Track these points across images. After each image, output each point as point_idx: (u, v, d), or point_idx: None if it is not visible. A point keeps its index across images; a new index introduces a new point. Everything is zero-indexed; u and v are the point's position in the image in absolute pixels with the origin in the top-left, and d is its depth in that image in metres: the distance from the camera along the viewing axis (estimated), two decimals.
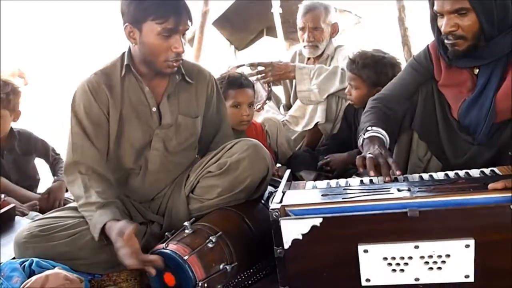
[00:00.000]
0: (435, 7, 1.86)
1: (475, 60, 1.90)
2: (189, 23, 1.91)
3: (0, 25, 6.25)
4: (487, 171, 1.70)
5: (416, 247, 1.41)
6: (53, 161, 2.96)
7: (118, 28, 1.97)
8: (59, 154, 2.97)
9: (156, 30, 1.86)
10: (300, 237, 1.46)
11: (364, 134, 1.91)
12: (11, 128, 2.77)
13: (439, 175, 1.73)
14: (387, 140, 1.90)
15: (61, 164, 2.83)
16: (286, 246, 1.48)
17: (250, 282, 1.82)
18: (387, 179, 1.68)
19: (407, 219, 1.39)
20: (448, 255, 1.40)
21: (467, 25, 1.80)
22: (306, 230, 1.45)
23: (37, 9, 7.83)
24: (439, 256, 1.40)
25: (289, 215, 1.50)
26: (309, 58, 3.21)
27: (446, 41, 1.88)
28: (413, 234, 1.41)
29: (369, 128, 1.92)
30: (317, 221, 1.44)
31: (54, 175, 2.92)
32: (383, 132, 1.90)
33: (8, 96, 2.64)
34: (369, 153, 1.76)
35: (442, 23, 1.85)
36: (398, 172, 1.68)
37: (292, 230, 1.46)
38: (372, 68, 2.56)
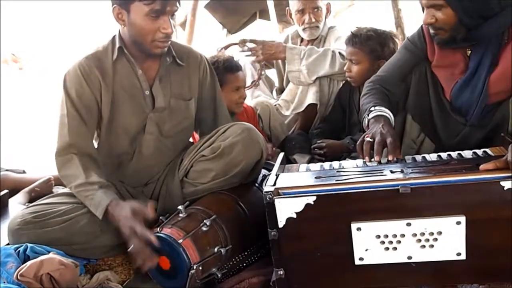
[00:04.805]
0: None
1: (465, 42, 1.90)
2: (177, 4, 1.89)
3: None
4: (479, 152, 1.71)
5: (408, 224, 1.42)
6: None
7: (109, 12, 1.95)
8: None
9: (144, 10, 1.84)
10: (294, 216, 1.47)
11: (368, 115, 1.90)
12: None
13: (432, 157, 1.74)
14: (392, 117, 1.90)
15: None
16: (281, 225, 1.48)
17: (244, 264, 1.83)
18: (376, 158, 1.69)
19: (399, 196, 1.40)
20: (439, 232, 1.41)
21: (443, 18, 1.84)
22: (300, 208, 1.46)
23: None
24: (431, 234, 1.41)
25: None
26: (302, 40, 3.19)
27: (430, 30, 1.93)
28: (405, 211, 1.43)
29: (372, 108, 1.91)
30: (311, 199, 1.45)
31: None
32: (387, 110, 1.90)
33: None
34: (367, 137, 1.77)
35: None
36: (390, 157, 1.68)
37: (286, 209, 1.47)
38: (376, 39, 2.55)
